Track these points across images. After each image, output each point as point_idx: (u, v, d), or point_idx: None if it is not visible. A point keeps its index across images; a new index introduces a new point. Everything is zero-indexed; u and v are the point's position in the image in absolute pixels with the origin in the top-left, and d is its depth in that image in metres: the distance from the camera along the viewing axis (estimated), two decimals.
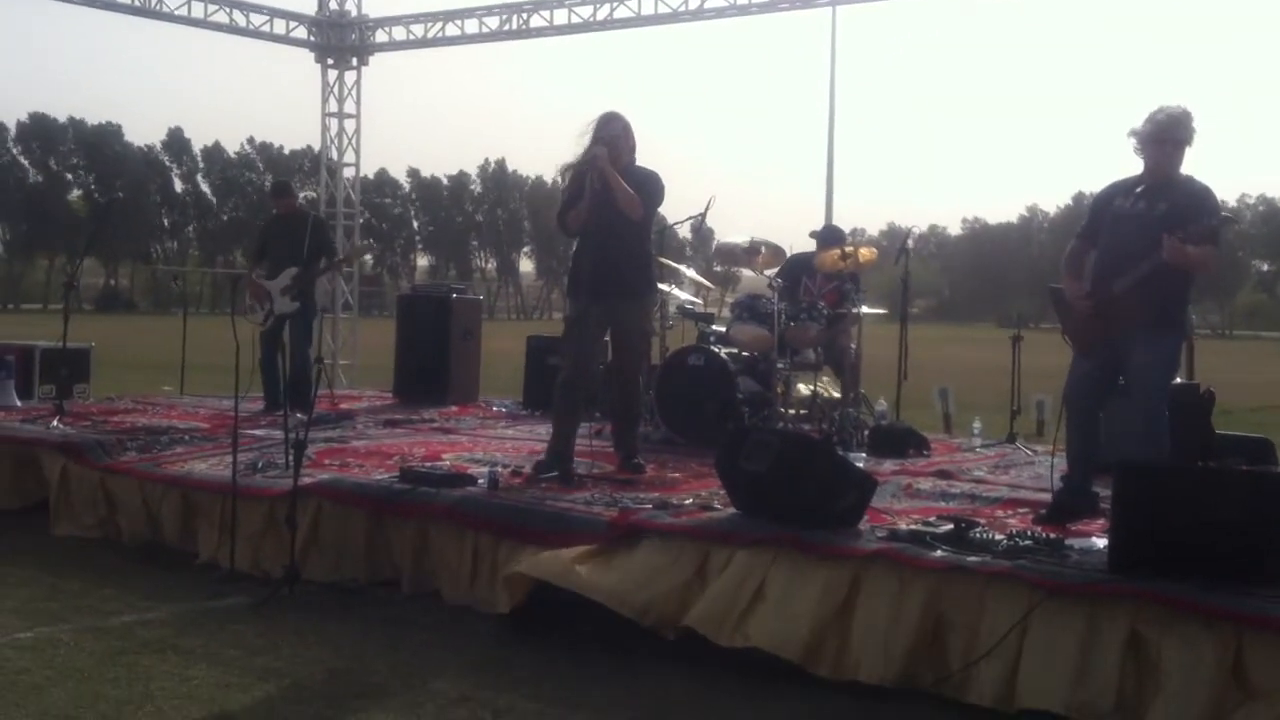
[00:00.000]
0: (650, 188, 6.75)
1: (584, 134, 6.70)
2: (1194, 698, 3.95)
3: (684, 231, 11.15)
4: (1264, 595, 4.14)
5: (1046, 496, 6.31)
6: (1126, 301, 5.67)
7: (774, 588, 4.78)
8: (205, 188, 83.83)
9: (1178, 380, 6.60)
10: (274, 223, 9.96)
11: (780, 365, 8.29)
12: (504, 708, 4.36)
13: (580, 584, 5.00)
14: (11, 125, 77.32)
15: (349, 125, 14.52)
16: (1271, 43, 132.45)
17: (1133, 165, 5.81)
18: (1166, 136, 5.66)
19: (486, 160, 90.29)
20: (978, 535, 4.92)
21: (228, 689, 4.49)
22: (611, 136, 6.66)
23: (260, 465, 6.78)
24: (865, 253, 8.73)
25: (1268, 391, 11.36)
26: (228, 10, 13.74)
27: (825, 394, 8.84)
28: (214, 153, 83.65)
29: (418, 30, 14.38)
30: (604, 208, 6.59)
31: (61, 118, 79.12)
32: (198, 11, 13.47)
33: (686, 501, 5.78)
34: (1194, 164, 5.74)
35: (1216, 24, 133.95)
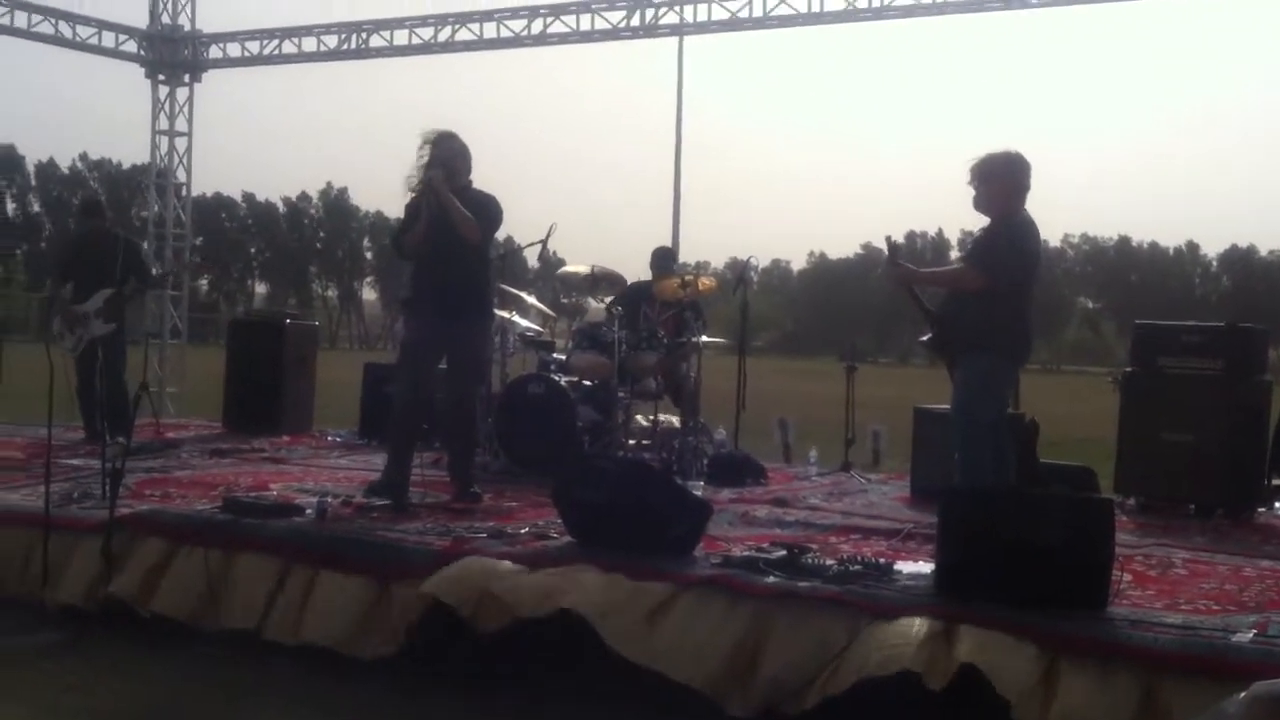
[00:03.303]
0: (488, 211, 6.68)
1: (420, 155, 6.60)
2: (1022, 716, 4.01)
3: (531, 260, 11.09)
4: (1083, 617, 4.25)
5: (878, 523, 6.44)
6: (943, 324, 6.02)
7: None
8: (37, 207, 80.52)
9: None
10: (81, 243, 9.57)
11: (621, 394, 8.27)
12: None
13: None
14: None
15: (180, 143, 14.12)
16: (1090, 90, 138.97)
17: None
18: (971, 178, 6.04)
19: (329, 185, 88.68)
20: (810, 561, 4.96)
21: None
22: (448, 158, 6.57)
23: (76, 495, 6.46)
24: (704, 282, 8.79)
25: (1092, 424, 11.80)
26: (53, 21, 13.23)
27: (665, 423, 8.85)
28: (47, 170, 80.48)
29: (253, 47, 14.08)
30: (441, 230, 6.49)
31: None
32: (20, 21, 12.93)
33: (522, 530, 5.70)
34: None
35: (1045, 72, 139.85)
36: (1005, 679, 3.99)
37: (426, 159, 6.56)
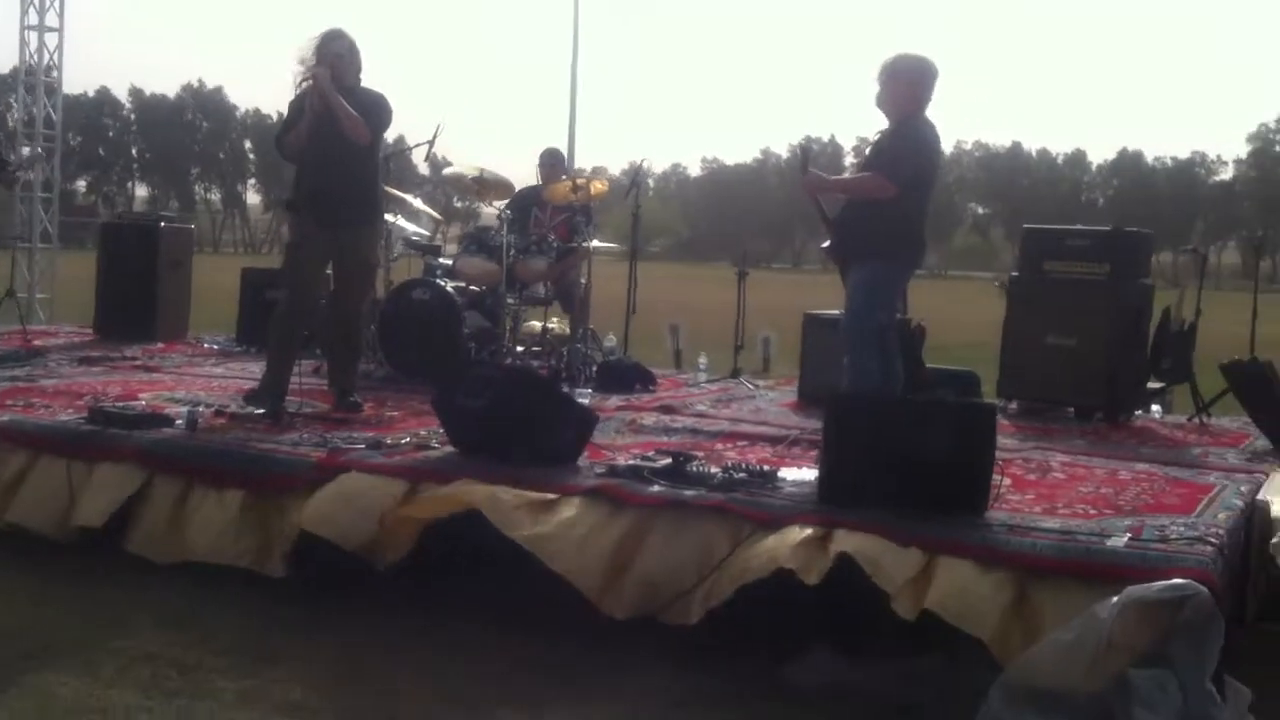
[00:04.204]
0: (376, 111, 6.42)
1: (306, 53, 6.30)
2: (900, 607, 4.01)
3: (420, 164, 10.82)
4: (964, 522, 4.26)
5: (764, 430, 6.42)
6: (839, 231, 6.05)
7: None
8: None
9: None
10: None
11: (509, 300, 8.10)
12: (191, 664, 4.06)
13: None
14: None
15: (50, 39, 13.40)
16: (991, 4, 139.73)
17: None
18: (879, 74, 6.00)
19: (200, 82, 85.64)
20: (694, 469, 4.91)
21: None
22: (335, 55, 6.29)
23: None
24: (596, 185, 8.59)
25: (978, 329, 11.94)
26: None
27: (554, 329, 8.72)
28: None
29: None
30: (326, 131, 6.22)
31: None
32: None
33: (403, 440, 5.55)
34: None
35: None
36: (884, 572, 3.99)
37: (313, 56, 6.27)
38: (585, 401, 6.74)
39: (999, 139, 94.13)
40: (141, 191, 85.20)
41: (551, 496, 4.61)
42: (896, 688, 3.93)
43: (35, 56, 13.39)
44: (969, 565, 4.01)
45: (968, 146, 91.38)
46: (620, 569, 4.39)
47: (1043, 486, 5.15)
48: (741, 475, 4.83)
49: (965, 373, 7.63)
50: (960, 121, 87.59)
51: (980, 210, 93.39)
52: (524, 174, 9.33)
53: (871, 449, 4.50)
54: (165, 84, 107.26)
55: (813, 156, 6.54)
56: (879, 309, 6.05)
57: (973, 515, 4.34)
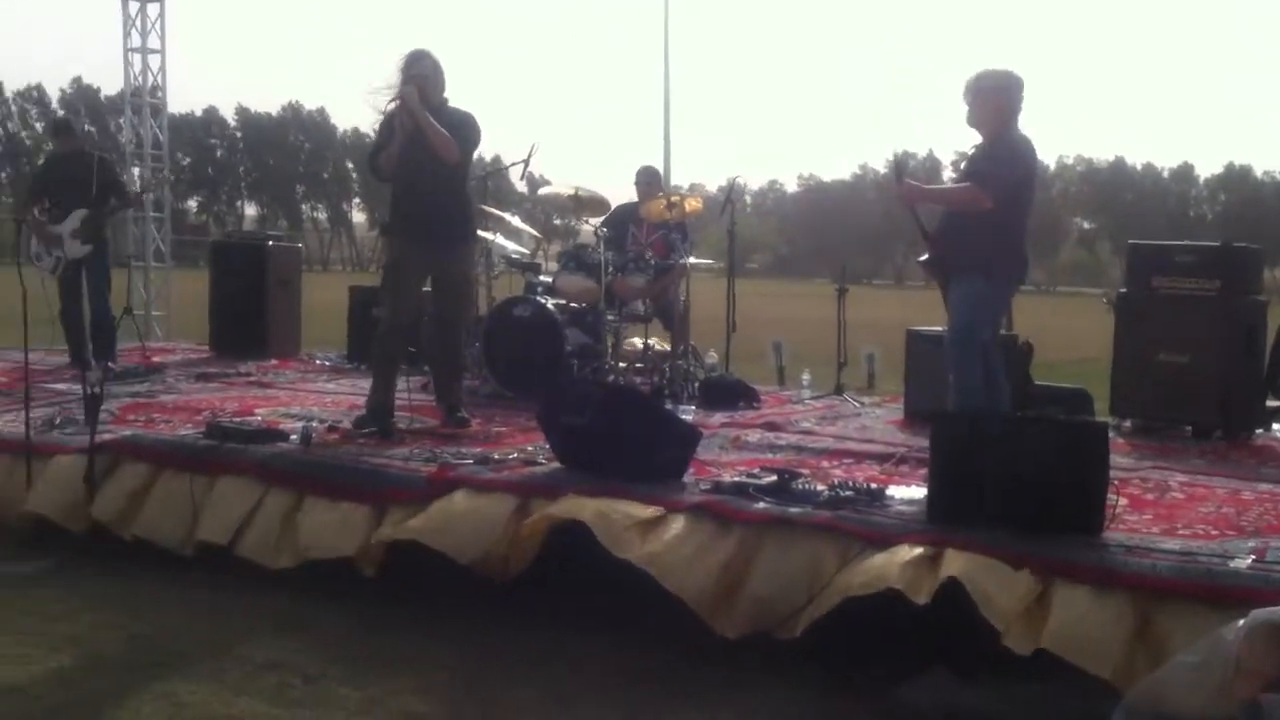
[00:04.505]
0: (465, 129, 6.49)
1: (393, 75, 6.42)
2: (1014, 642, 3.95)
3: (518, 183, 10.97)
4: (1075, 542, 4.18)
5: (871, 447, 6.37)
6: (939, 244, 5.96)
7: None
8: (23, 133, 79.61)
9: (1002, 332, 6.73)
10: (55, 163, 9.35)
11: (609, 317, 8.16)
12: (315, 674, 4.16)
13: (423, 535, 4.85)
14: None
15: (154, 61, 13.79)
16: (1086, 9, 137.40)
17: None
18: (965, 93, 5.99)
19: (296, 103, 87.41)
20: (800, 486, 4.89)
21: (20, 660, 4.21)
22: (420, 75, 6.38)
23: (58, 421, 6.36)
24: (691, 203, 8.63)
25: (1087, 345, 11.73)
26: None
27: (655, 346, 8.75)
28: (34, 96, 79.43)
29: None
30: (416, 149, 6.33)
31: None
32: None
33: (510, 456, 5.61)
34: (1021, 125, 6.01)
35: None
36: (995, 606, 3.93)
37: (398, 76, 6.38)
38: (688, 418, 6.75)
39: (1102, 153, 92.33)
40: (251, 210, 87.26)
41: (658, 512, 4.63)
42: (1013, 712, 3.87)
43: (140, 78, 13.76)
44: (1085, 592, 3.94)
45: (1069, 161, 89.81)
46: (731, 588, 4.40)
47: (1161, 507, 5.03)
48: (849, 493, 4.81)
49: (1076, 390, 7.50)
50: (1062, 136, 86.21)
51: (1085, 225, 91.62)
52: (621, 193, 9.36)
53: (980, 468, 4.44)
54: (269, 102, 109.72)
55: (907, 168, 6.50)
56: (982, 324, 5.98)
57: (1088, 536, 4.27)
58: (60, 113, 73.25)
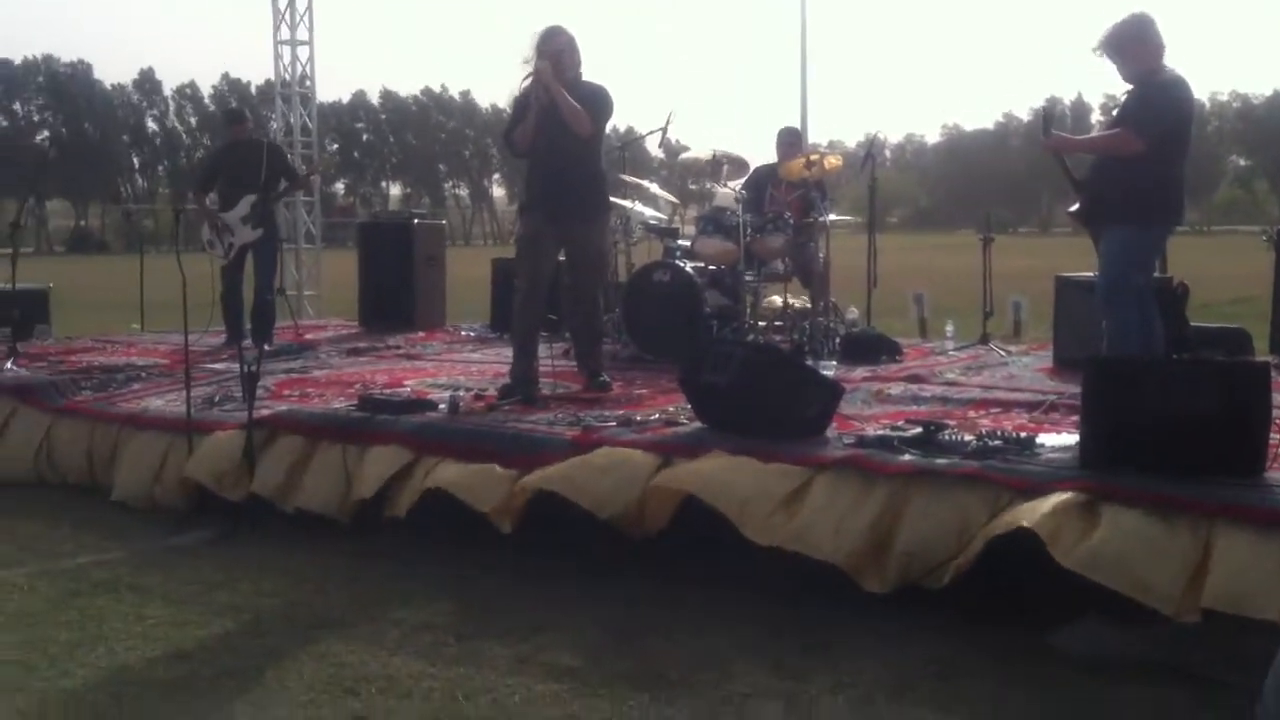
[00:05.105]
0: (598, 102, 6.53)
1: (528, 52, 6.48)
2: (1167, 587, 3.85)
3: (655, 150, 10.99)
4: (1236, 484, 4.04)
5: (1019, 396, 6.24)
6: (1090, 192, 5.85)
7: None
8: (178, 125, 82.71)
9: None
10: (227, 151, 9.59)
11: (748, 277, 8.14)
12: (468, 633, 4.26)
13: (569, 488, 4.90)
14: None
15: (302, 52, 14.16)
16: None
17: (1102, 69, 5.89)
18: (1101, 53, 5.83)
19: (443, 86, 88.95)
20: (946, 437, 4.82)
21: (183, 626, 4.39)
22: (555, 51, 6.43)
23: (218, 399, 6.63)
24: (830, 160, 8.55)
25: (1245, 284, 11.27)
26: None
27: (795, 304, 8.70)
28: (188, 92, 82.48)
29: None
30: (551, 124, 6.39)
31: (28, 56, 77.68)
32: None
33: (652, 417, 5.65)
34: (1171, 62, 5.84)
35: None
36: (1152, 588, 3.79)
37: (534, 53, 6.44)
38: (830, 374, 6.70)
39: (1259, 88, 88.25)
40: (395, 190, 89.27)
41: (797, 481, 4.60)
42: (1173, 653, 3.76)
43: (289, 69, 14.16)
44: (1247, 539, 3.80)
45: (1224, 98, 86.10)
46: (880, 546, 4.35)
47: None
48: (997, 442, 4.72)
49: (1234, 330, 7.24)
50: (1216, 70, 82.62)
51: (1242, 162, 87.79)
52: (759, 155, 9.35)
53: (1135, 412, 4.32)
54: (412, 85, 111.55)
55: (1055, 117, 6.35)
56: (1135, 270, 5.81)
57: (1250, 478, 4.12)
58: (212, 107, 75.99)
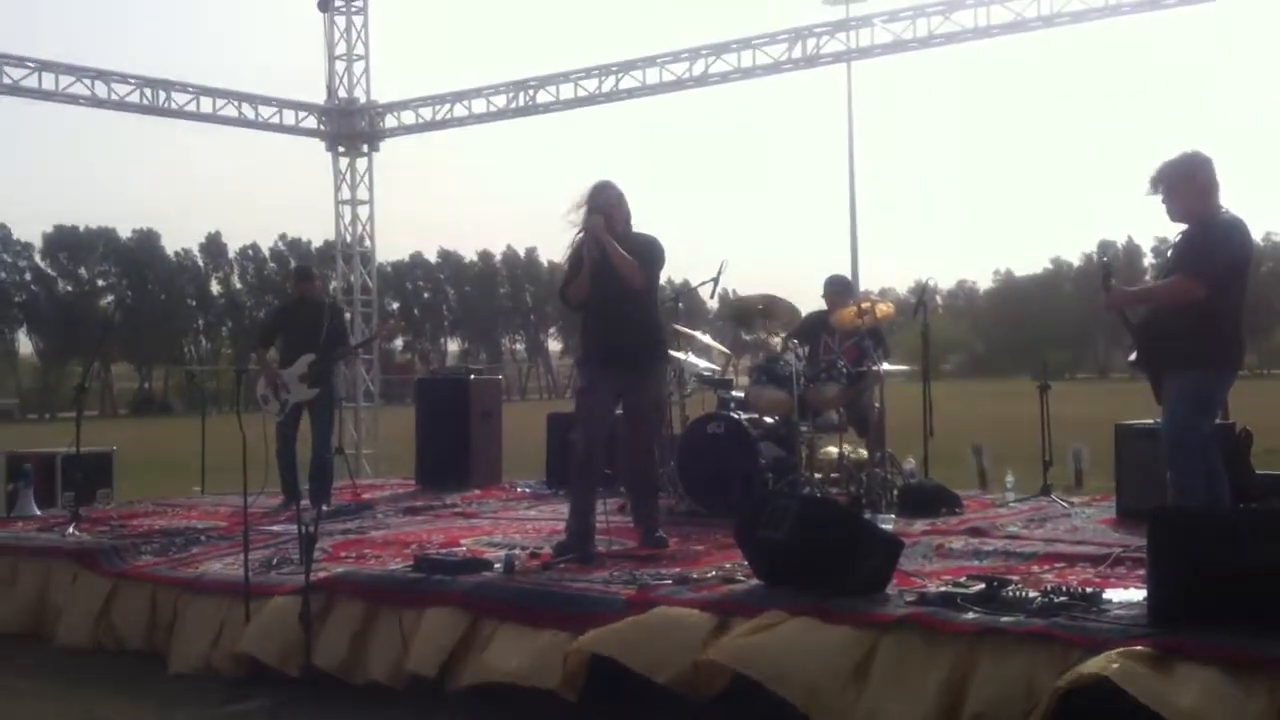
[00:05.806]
0: (650, 254, 6.64)
1: (578, 206, 6.62)
2: None
3: (708, 300, 11.09)
4: None
5: (1083, 549, 6.11)
6: (1149, 339, 5.81)
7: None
8: (240, 286, 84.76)
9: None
10: (291, 309, 9.77)
11: (803, 428, 8.11)
12: None
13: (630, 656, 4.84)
14: (37, 239, 78.05)
15: (363, 211, 14.57)
16: None
17: (1151, 210, 5.88)
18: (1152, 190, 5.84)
19: (509, 247, 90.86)
20: (1011, 593, 4.72)
21: None
22: (606, 204, 6.57)
23: (275, 562, 6.65)
24: (882, 308, 8.57)
25: None
26: (236, 104, 13.89)
27: (851, 455, 8.64)
28: (250, 253, 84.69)
29: (426, 113, 14.49)
30: (604, 277, 6.49)
31: (94, 226, 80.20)
32: (206, 106, 13.63)
33: (709, 575, 5.59)
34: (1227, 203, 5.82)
35: (1232, 66, 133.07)
36: (1231, 708, 3.69)
37: (584, 209, 6.58)
38: (888, 527, 6.62)
39: None
40: (453, 346, 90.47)
41: (864, 647, 4.51)
42: None
43: (349, 229, 14.55)
44: None
45: (1278, 237, 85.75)
46: (949, 709, 4.24)
47: None
48: (1063, 598, 4.61)
49: None
50: (1270, 210, 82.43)
51: None
52: (811, 303, 9.39)
53: (1204, 565, 4.21)
54: (469, 244, 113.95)
55: (1112, 272, 6.36)
56: (1201, 419, 5.72)
57: None
58: (273, 264, 77.88)
